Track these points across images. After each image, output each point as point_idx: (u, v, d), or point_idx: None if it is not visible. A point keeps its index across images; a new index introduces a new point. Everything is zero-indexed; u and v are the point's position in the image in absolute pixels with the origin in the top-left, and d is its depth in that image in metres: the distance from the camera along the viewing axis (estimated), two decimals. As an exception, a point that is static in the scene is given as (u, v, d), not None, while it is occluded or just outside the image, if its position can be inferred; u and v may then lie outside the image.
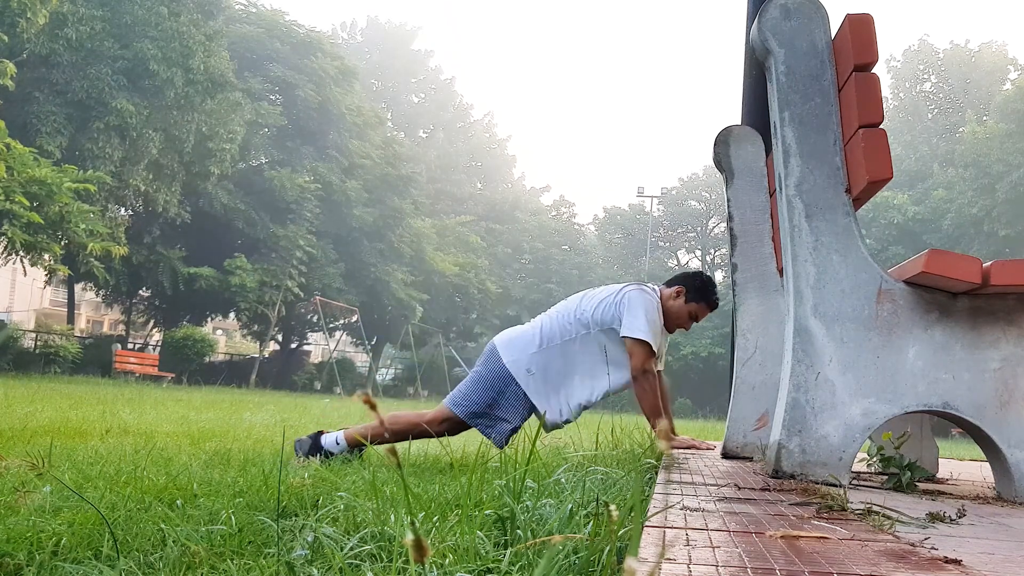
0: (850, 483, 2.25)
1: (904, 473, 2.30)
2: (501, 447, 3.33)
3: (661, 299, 3.56)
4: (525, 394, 3.42)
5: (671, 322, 3.62)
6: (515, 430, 3.43)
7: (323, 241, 28.18)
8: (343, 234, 29.25)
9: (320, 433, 3.48)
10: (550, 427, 3.46)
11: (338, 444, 3.40)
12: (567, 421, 3.45)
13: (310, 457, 3.28)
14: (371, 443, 3.29)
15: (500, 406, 3.42)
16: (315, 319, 29.48)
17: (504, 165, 47.95)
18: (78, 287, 26.92)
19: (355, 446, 3.39)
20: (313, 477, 2.43)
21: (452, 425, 3.46)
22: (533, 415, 3.45)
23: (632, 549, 0.66)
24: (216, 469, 2.71)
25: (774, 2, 2.41)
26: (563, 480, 1.94)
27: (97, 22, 20.31)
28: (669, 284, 3.69)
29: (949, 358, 2.20)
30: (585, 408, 3.48)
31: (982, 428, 2.18)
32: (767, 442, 2.65)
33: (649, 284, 3.65)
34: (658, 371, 3.53)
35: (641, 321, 3.38)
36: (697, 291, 3.63)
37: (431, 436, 3.46)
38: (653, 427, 3.40)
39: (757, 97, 4.28)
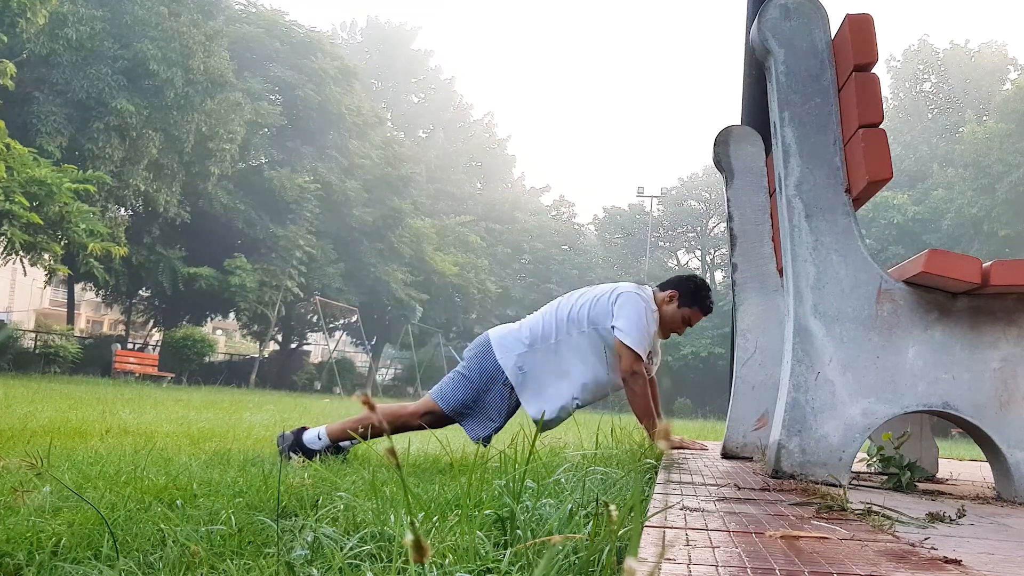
0: (850, 483, 2.25)
1: (904, 473, 2.30)
2: (483, 444, 3.30)
3: (655, 302, 3.48)
4: (511, 393, 3.37)
5: (664, 326, 3.53)
6: (497, 429, 3.39)
7: (323, 241, 28.17)
8: (343, 234, 29.24)
9: (303, 429, 3.44)
10: (543, 428, 3.43)
11: (320, 439, 3.37)
12: (558, 420, 3.42)
13: (292, 455, 3.24)
14: (355, 435, 3.27)
15: (485, 403, 3.38)
16: (315, 319, 29.47)
17: (504, 165, 47.91)
18: (78, 287, 26.92)
19: (337, 441, 3.37)
20: (313, 477, 2.42)
21: (435, 419, 3.41)
22: (516, 414, 3.41)
23: (632, 549, 0.66)
24: (216, 469, 2.71)
25: (774, 2, 2.41)
26: (563, 480, 1.94)
27: (97, 22, 20.30)
28: (663, 287, 3.60)
29: (949, 358, 2.20)
30: (579, 406, 3.43)
31: (982, 428, 2.18)
32: (767, 442, 2.65)
33: (645, 285, 3.57)
34: (651, 375, 3.46)
35: (631, 324, 3.31)
36: (691, 295, 3.53)
37: (413, 428, 3.43)
38: (647, 429, 3.36)
39: (757, 97, 4.28)
